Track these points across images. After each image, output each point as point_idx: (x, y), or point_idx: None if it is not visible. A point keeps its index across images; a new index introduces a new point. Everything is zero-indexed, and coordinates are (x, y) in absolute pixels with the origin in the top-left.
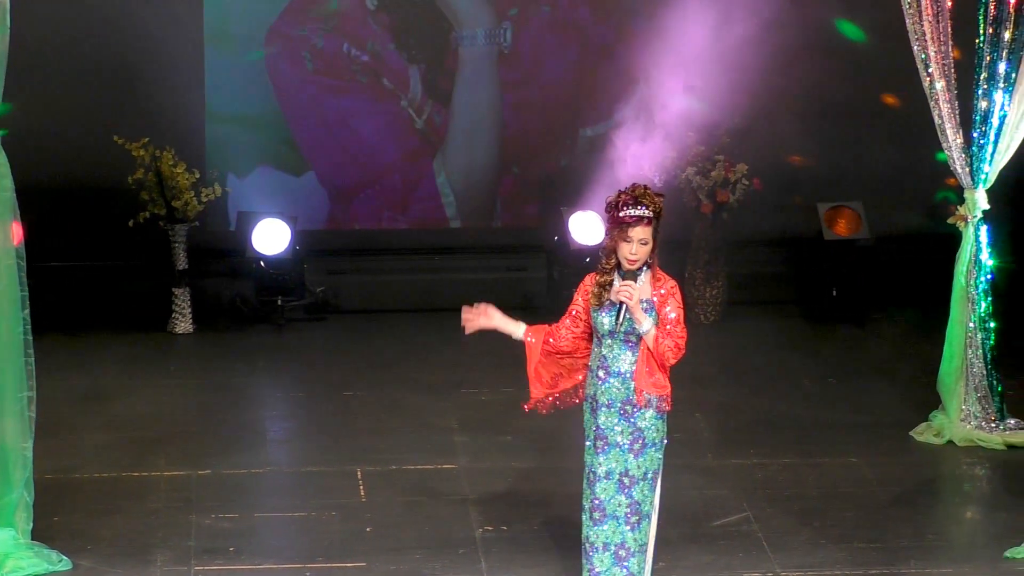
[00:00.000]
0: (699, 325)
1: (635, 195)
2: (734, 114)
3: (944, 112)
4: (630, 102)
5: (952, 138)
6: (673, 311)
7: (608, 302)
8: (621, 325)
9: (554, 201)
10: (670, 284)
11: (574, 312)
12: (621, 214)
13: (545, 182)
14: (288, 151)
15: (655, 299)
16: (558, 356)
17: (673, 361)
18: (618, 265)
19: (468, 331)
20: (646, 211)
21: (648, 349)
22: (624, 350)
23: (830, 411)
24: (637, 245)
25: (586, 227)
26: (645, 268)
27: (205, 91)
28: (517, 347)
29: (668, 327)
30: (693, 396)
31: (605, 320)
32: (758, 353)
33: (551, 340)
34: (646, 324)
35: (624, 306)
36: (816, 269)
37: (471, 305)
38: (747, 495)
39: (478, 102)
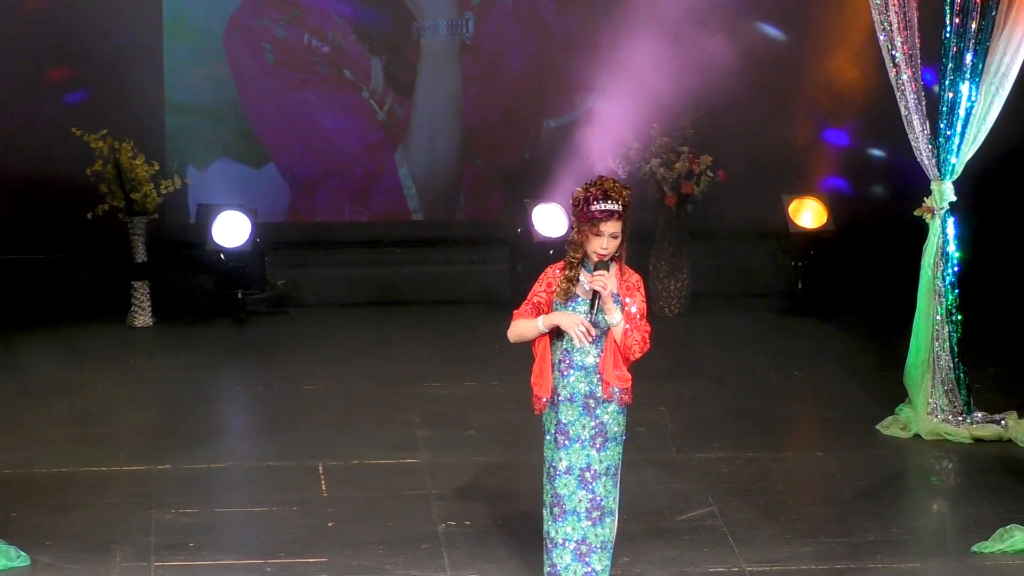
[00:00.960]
0: (663, 318)
1: (604, 189)
2: (699, 105)
3: (911, 103)
4: (593, 93)
5: (919, 129)
6: (640, 305)
7: (575, 296)
8: (595, 315)
9: (518, 193)
10: (635, 278)
11: (536, 301)
12: (592, 209)
13: (508, 174)
14: (248, 143)
15: (622, 292)
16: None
17: (639, 355)
18: (584, 259)
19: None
20: (616, 205)
21: (615, 342)
22: (590, 343)
23: (796, 405)
24: (608, 240)
25: (550, 220)
26: (611, 263)
27: (165, 82)
28: (480, 340)
29: (636, 321)
30: (657, 390)
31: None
32: (723, 346)
33: None
34: (617, 315)
35: (599, 296)
36: (781, 261)
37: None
38: (712, 489)
39: (440, 93)
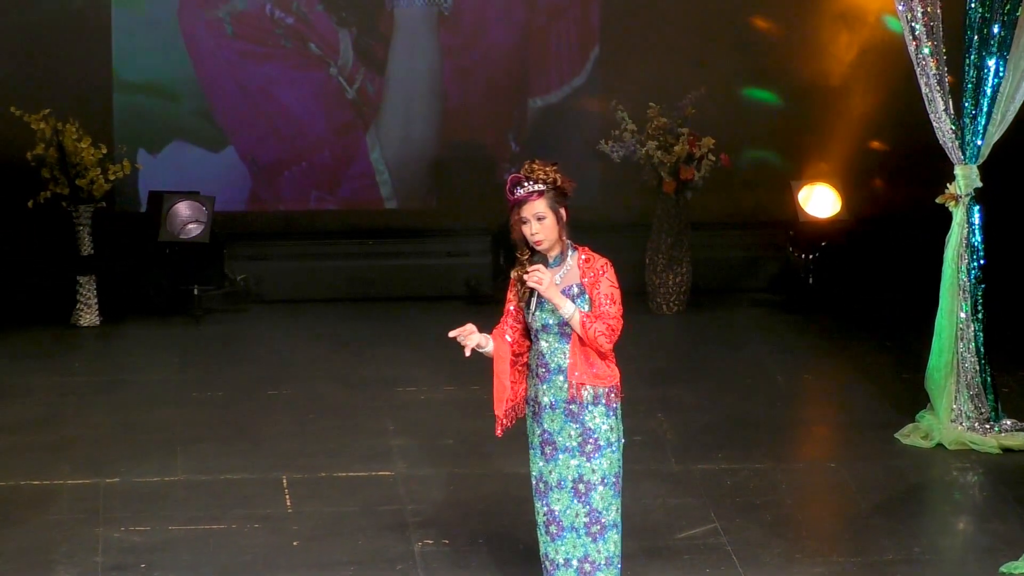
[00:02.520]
0: (661, 316)
1: (523, 173)
2: (700, 83)
3: (931, 79)
4: (585, 69)
5: (941, 108)
6: (606, 290)
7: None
8: (533, 314)
9: (500, 179)
10: (600, 263)
11: (510, 309)
12: (513, 196)
13: (490, 158)
14: (205, 124)
15: (585, 282)
16: (514, 358)
17: (608, 345)
18: (535, 254)
19: (470, 350)
20: (535, 185)
21: (579, 337)
22: (563, 343)
23: (806, 411)
24: (535, 222)
25: None
26: (573, 251)
27: (113, 57)
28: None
29: (602, 309)
30: (655, 394)
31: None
32: (726, 347)
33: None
34: (567, 308)
35: (536, 292)
36: (790, 254)
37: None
38: (715, 504)
39: (416, 70)
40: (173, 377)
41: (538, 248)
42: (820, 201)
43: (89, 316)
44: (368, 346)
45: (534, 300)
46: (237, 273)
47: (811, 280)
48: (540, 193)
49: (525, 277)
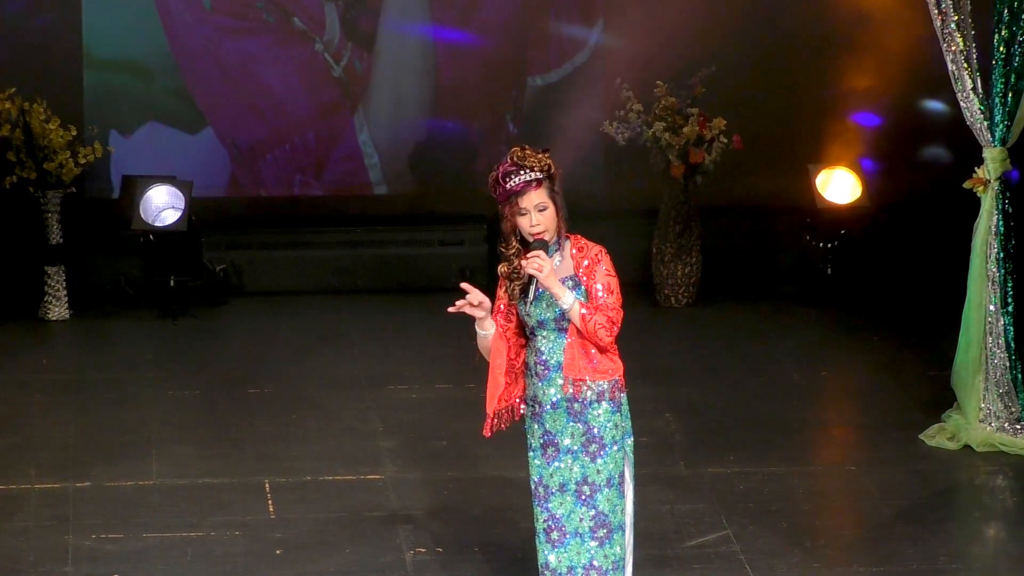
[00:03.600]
0: (669, 309)
1: (516, 161)
2: (711, 59)
3: (958, 57)
4: (587, 45)
5: (968, 86)
6: (603, 280)
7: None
8: (531, 304)
9: (497, 162)
10: (595, 251)
11: (501, 307)
12: (507, 186)
13: (487, 140)
14: (182, 104)
15: (581, 274)
16: (511, 360)
17: (608, 339)
18: (524, 247)
19: (457, 308)
20: (532, 173)
21: (578, 331)
22: (562, 338)
23: (824, 410)
24: (535, 214)
25: None
26: (565, 240)
27: (83, 32)
28: (454, 336)
29: (599, 300)
30: (662, 393)
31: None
32: (738, 342)
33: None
34: (567, 298)
35: (534, 282)
36: (807, 242)
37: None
38: (726, 510)
39: (406, 45)
40: (147, 374)
41: (535, 240)
42: (839, 186)
43: (58, 309)
44: (356, 341)
45: (532, 291)
46: (216, 263)
47: (829, 270)
48: (539, 182)
49: (523, 263)
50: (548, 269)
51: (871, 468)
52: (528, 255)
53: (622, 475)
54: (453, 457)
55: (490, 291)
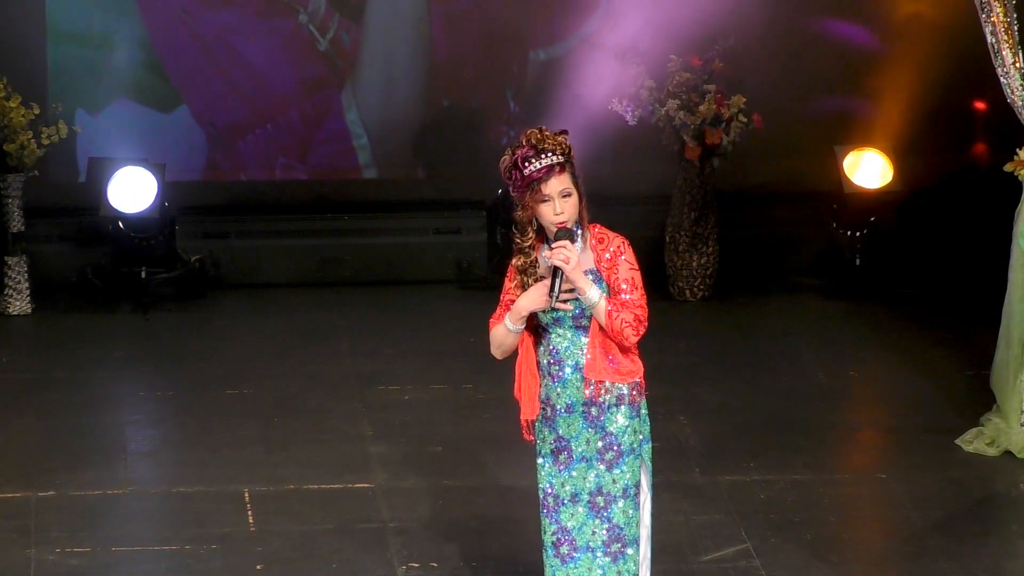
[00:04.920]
0: (684, 303)
1: (533, 144)
2: (730, 32)
3: (999, 29)
4: (595, 15)
5: (1009, 61)
6: (626, 274)
7: (539, 280)
8: (555, 299)
9: (496, 145)
10: (617, 243)
11: (507, 301)
12: (526, 172)
13: (486, 120)
14: (154, 80)
15: (602, 267)
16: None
17: (634, 338)
18: (542, 239)
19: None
20: (554, 157)
21: (600, 329)
22: (579, 337)
23: (851, 413)
24: (559, 200)
25: None
26: (581, 231)
27: (46, 2)
28: (449, 331)
29: (624, 296)
30: (676, 394)
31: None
32: (759, 338)
33: None
34: (592, 293)
35: (561, 273)
36: (834, 230)
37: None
38: (746, 521)
39: (399, 16)
40: (117, 374)
41: (559, 229)
42: (869, 169)
43: (19, 303)
44: (343, 338)
45: (557, 285)
46: (191, 253)
47: (857, 261)
48: (561, 167)
49: (548, 255)
50: (575, 261)
51: (903, 476)
52: (554, 246)
53: (638, 485)
54: (449, 464)
55: (489, 286)
